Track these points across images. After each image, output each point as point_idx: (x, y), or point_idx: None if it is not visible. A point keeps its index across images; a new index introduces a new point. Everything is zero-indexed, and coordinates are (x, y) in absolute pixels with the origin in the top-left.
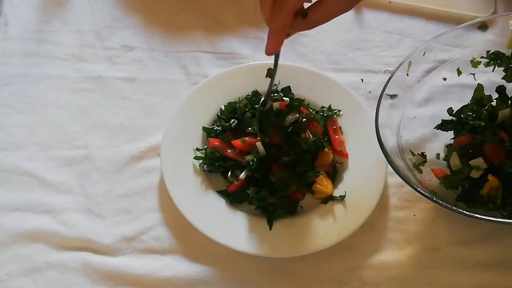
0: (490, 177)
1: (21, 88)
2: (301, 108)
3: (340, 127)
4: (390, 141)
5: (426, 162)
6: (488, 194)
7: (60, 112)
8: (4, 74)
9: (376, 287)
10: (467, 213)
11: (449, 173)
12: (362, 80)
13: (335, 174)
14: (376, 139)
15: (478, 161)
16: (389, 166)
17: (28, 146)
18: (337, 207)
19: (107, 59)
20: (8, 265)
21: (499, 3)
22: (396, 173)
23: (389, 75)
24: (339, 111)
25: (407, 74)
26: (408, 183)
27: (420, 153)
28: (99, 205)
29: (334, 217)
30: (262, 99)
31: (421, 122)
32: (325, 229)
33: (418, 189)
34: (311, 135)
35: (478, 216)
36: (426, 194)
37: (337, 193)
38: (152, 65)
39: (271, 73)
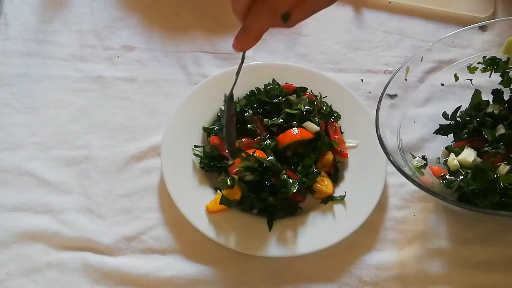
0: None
1: (21, 88)
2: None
3: (340, 127)
4: (390, 141)
5: (427, 165)
6: None
7: (60, 112)
8: (4, 74)
9: (376, 287)
10: (469, 208)
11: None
12: (362, 80)
13: (336, 174)
14: (377, 138)
15: (466, 154)
16: (389, 166)
17: (28, 146)
18: (337, 207)
19: (107, 59)
20: (8, 265)
21: (499, 3)
22: (398, 171)
23: (389, 76)
24: (339, 115)
25: (406, 79)
26: (411, 179)
27: (421, 156)
28: (99, 205)
29: (334, 217)
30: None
31: (421, 122)
32: (325, 229)
33: (420, 184)
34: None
35: (479, 210)
36: (426, 188)
37: (337, 192)
38: (152, 65)
39: (236, 73)
